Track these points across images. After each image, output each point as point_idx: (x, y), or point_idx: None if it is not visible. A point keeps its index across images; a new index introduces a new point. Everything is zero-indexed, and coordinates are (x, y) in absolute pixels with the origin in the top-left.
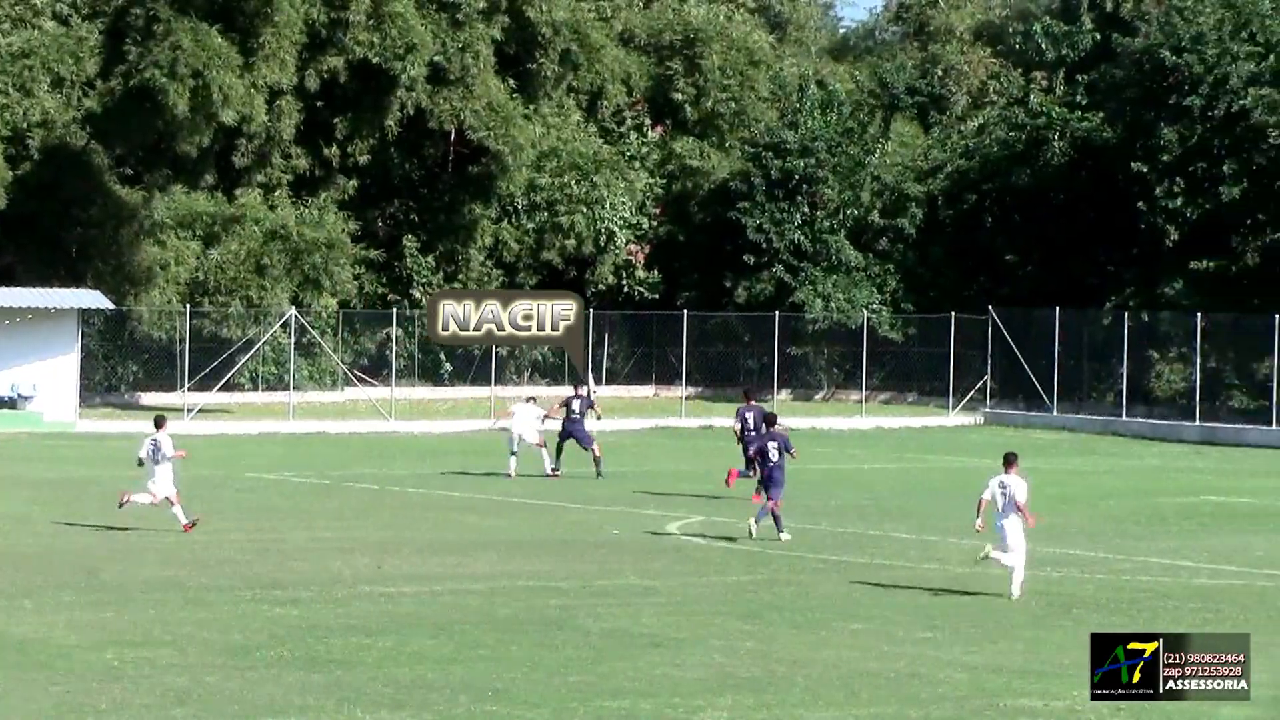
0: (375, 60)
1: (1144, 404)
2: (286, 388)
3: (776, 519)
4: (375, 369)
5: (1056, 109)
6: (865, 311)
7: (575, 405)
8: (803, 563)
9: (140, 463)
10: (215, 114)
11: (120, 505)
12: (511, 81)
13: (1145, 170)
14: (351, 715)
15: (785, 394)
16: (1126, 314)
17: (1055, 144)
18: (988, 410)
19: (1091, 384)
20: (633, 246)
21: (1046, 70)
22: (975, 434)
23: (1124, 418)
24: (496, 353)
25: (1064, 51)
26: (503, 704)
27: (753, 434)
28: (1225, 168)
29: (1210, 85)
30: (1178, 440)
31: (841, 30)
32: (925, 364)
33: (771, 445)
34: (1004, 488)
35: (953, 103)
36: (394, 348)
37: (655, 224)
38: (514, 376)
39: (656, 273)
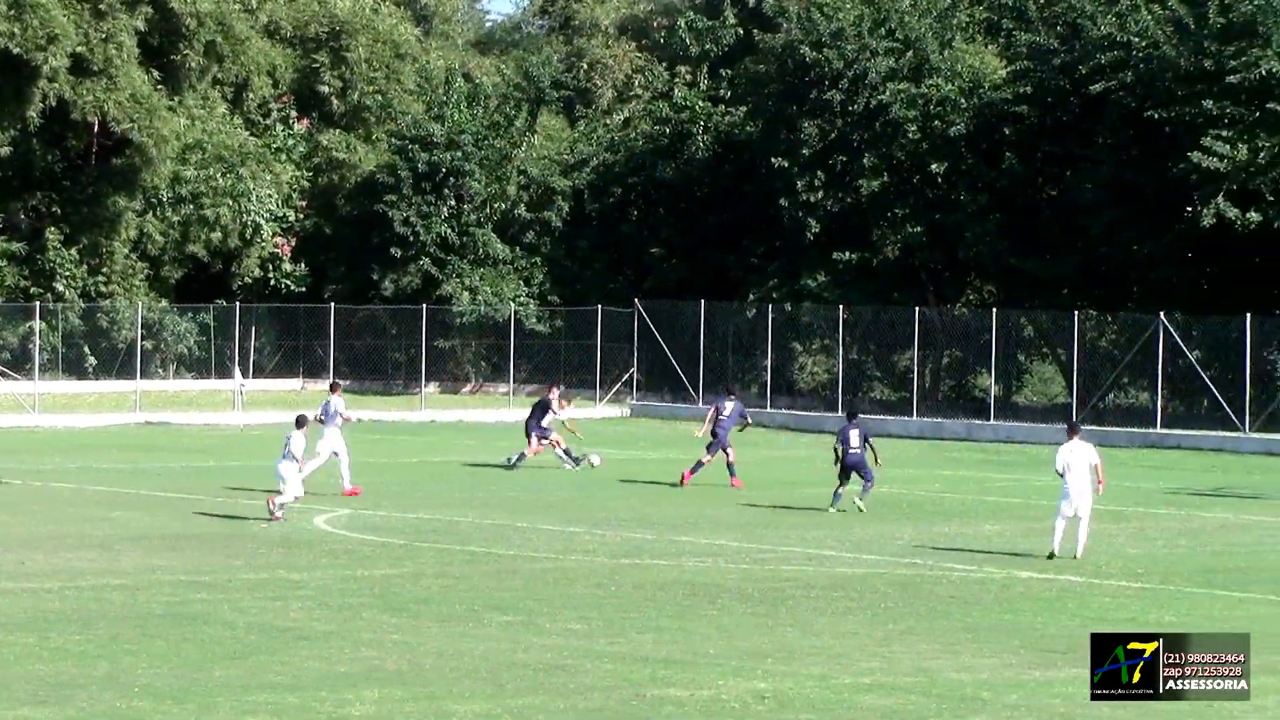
0: (16, 50)
1: (788, 395)
2: None
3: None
4: (18, 363)
5: (700, 103)
6: (512, 304)
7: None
8: (450, 555)
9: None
10: None
11: (271, 517)
12: (156, 73)
13: (786, 164)
14: None
15: (433, 387)
16: (770, 306)
17: (699, 138)
18: (634, 402)
19: (736, 376)
20: (279, 239)
21: (691, 65)
22: (622, 426)
23: (768, 409)
24: (142, 347)
25: (707, 46)
26: (148, 699)
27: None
28: (865, 161)
29: (850, 80)
30: (820, 431)
31: (488, 24)
32: (572, 356)
33: (854, 433)
34: (1072, 453)
35: (598, 96)
36: (38, 341)
37: (302, 217)
38: (159, 370)
39: (303, 266)
